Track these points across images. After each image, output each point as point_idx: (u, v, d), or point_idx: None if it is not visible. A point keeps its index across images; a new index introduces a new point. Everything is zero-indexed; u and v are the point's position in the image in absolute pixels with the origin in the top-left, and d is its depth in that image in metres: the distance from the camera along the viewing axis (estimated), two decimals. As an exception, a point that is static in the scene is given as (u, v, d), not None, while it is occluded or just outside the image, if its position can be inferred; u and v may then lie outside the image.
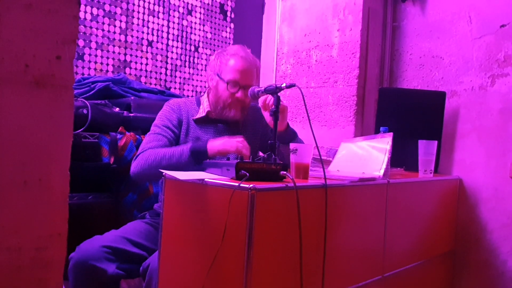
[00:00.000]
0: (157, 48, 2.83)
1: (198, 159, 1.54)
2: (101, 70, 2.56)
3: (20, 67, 0.72)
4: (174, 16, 2.91)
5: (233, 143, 1.53)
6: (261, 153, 1.76)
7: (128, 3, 2.67)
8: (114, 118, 2.05)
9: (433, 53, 2.37)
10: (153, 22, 2.80)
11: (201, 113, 1.75)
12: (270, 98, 1.59)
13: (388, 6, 2.52)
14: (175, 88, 2.93)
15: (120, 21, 2.64)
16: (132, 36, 2.70)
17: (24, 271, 0.74)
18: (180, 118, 1.73)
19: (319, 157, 1.42)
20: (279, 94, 1.52)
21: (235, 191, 1.17)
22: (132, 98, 2.21)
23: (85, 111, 1.91)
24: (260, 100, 1.65)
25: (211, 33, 3.12)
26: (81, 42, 2.46)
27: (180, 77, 2.96)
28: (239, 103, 1.71)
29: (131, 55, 2.69)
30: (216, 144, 1.55)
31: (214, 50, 3.13)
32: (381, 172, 1.60)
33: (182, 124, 1.73)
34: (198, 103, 1.79)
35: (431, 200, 2.03)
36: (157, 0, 2.82)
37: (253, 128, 1.82)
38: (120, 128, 2.01)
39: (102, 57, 2.56)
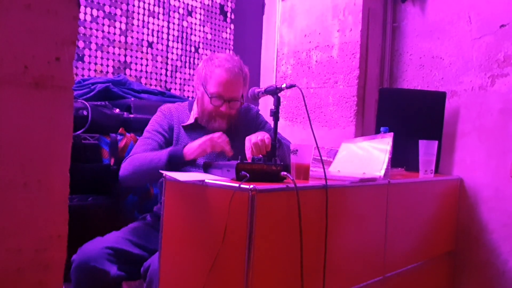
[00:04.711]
0: (157, 49, 2.83)
1: (176, 164, 1.50)
2: (101, 71, 2.56)
3: (19, 68, 0.71)
4: (174, 17, 2.91)
5: (208, 142, 1.48)
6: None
7: (128, 4, 2.67)
8: (114, 119, 2.05)
9: (433, 54, 2.37)
10: (153, 23, 2.80)
11: (191, 119, 1.73)
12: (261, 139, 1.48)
13: (388, 6, 2.52)
14: (175, 89, 2.93)
15: (120, 22, 2.63)
16: (132, 37, 2.70)
17: (24, 273, 0.74)
18: (171, 124, 1.72)
19: (319, 158, 1.42)
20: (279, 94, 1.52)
21: (235, 192, 1.17)
22: (132, 99, 2.21)
23: (85, 112, 1.91)
24: (247, 151, 1.49)
25: (211, 34, 3.12)
26: (81, 44, 2.46)
27: (180, 78, 2.96)
28: (224, 116, 1.68)
29: (131, 56, 2.69)
30: (192, 146, 1.51)
31: (214, 51, 3.12)
32: (382, 173, 1.60)
33: (173, 130, 1.72)
34: (190, 108, 1.78)
35: (432, 200, 2.02)
36: (157, 1, 2.81)
37: (247, 130, 1.72)
38: (120, 129, 2.01)
39: (102, 58, 2.56)
